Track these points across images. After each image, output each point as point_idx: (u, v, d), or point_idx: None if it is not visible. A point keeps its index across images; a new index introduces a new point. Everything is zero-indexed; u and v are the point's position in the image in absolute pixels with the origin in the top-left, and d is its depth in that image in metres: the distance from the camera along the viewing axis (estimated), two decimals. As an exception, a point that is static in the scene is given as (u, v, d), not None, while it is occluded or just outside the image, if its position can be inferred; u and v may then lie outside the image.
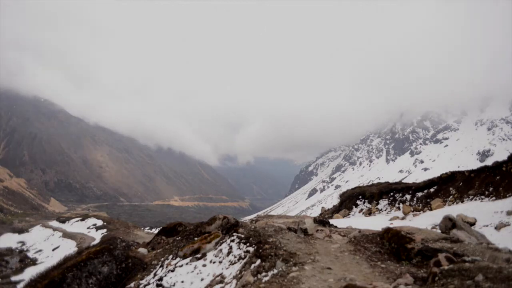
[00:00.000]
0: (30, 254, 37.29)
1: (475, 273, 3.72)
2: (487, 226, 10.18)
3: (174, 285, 7.54)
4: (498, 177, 13.86)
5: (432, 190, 17.21)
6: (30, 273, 22.20)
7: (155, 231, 32.10)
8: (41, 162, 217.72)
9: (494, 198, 12.93)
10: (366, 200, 20.80)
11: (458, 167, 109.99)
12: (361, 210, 20.31)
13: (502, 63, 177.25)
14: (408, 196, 18.29)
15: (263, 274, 5.66)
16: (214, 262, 7.82)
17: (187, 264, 8.28)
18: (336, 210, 22.65)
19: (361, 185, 32.51)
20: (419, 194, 17.71)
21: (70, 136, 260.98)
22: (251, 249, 7.20)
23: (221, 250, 8.16)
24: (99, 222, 42.35)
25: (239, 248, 7.65)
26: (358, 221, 16.09)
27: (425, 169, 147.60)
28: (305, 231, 8.10)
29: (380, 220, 15.49)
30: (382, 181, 29.26)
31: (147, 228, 42.15)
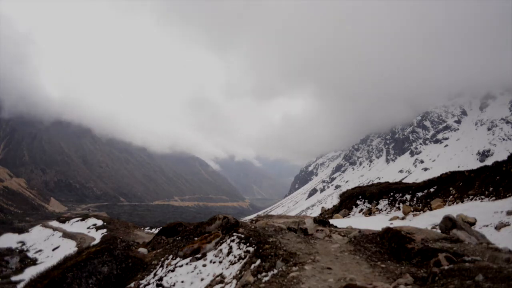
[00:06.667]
0: (30, 254, 37.24)
1: (475, 273, 3.72)
2: (487, 226, 10.17)
3: (174, 285, 7.54)
4: (498, 177, 13.86)
5: (432, 190, 17.21)
6: (30, 273, 22.18)
7: (155, 231, 32.06)
8: (41, 162, 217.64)
9: (494, 198, 12.92)
10: (366, 200, 20.78)
11: (458, 167, 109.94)
12: (361, 210, 20.29)
13: (502, 62, 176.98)
14: (408, 196, 18.28)
15: (263, 274, 5.66)
16: (214, 262, 7.81)
17: (187, 264, 8.27)
18: (336, 210, 22.63)
19: (361, 185, 32.49)
20: (419, 194, 17.71)
21: (70, 136, 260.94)
22: (251, 249, 7.20)
23: (221, 250, 8.15)
24: (99, 222, 42.28)
25: (239, 248, 7.65)
26: (358, 221, 16.07)
27: (425, 169, 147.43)
28: (305, 231, 8.10)
29: (380, 220, 15.48)
30: (382, 181, 29.25)
31: (147, 228, 41.98)
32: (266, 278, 5.40)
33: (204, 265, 7.87)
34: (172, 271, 8.18)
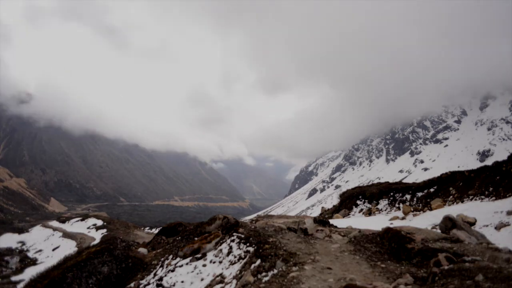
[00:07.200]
0: (30, 254, 37.26)
1: (475, 273, 3.72)
2: (487, 226, 10.17)
3: (174, 285, 7.54)
4: (498, 177, 13.85)
5: (432, 190, 17.20)
6: (30, 273, 22.19)
7: (155, 231, 32.06)
8: (41, 162, 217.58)
9: (494, 198, 12.92)
10: (366, 200, 20.79)
11: (458, 167, 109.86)
12: (361, 210, 20.29)
13: (502, 62, 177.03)
14: (408, 196, 18.28)
15: (263, 274, 5.66)
16: (214, 262, 7.81)
17: (187, 264, 8.27)
18: (336, 210, 22.63)
19: (361, 185, 32.52)
20: (419, 194, 17.71)
21: (70, 136, 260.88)
22: (251, 249, 7.20)
23: (221, 250, 8.15)
24: (99, 222, 42.31)
25: (239, 248, 7.65)
26: (358, 221, 16.08)
27: (425, 169, 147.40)
28: (305, 231, 8.10)
29: (380, 220, 15.48)
30: (382, 181, 29.27)
31: (147, 228, 42.01)
32: (266, 278, 5.40)
33: (204, 265, 7.87)
34: (172, 271, 8.18)
